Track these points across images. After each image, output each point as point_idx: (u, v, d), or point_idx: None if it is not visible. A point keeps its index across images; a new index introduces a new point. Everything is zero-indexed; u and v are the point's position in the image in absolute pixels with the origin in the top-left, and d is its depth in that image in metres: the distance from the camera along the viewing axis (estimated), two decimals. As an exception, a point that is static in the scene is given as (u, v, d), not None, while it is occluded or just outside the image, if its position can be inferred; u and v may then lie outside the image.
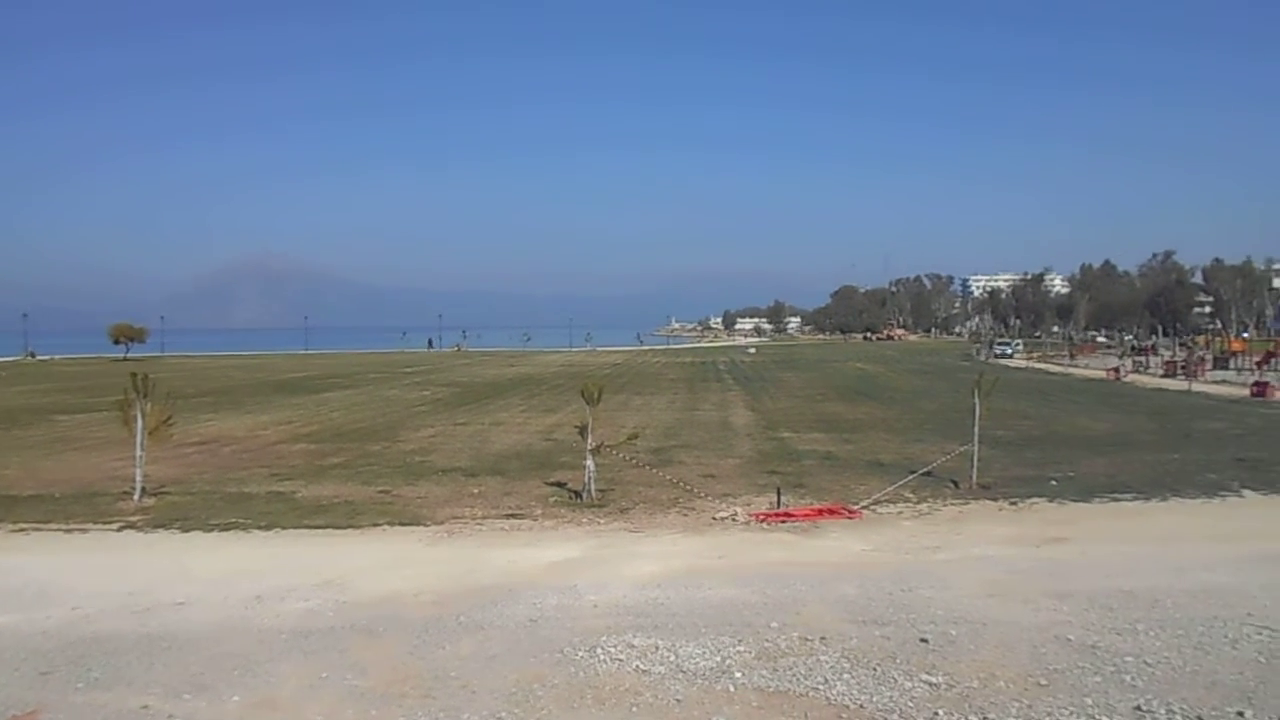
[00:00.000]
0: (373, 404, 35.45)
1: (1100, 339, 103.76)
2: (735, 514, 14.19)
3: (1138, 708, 6.81)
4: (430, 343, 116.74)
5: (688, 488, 16.20)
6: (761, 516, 13.97)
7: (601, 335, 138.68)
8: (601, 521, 13.97)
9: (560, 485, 16.58)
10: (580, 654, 8.13)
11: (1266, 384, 35.83)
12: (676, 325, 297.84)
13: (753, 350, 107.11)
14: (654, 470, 17.93)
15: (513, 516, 14.34)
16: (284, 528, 13.65)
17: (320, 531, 13.45)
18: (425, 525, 13.79)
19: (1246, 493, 15.66)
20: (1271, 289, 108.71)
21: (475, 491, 16.34)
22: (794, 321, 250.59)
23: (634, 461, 18.50)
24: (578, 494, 15.56)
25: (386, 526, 13.73)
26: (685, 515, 14.32)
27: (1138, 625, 8.69)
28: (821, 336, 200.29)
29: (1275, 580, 10.09)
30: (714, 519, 14.01)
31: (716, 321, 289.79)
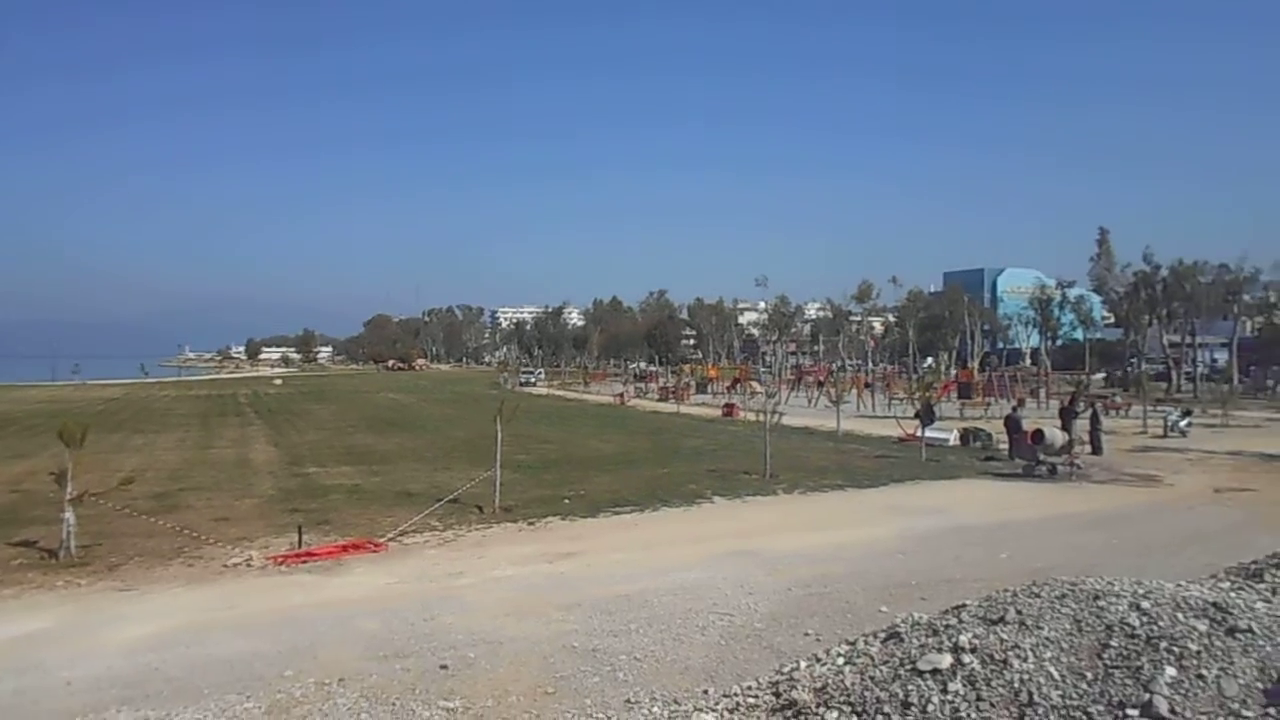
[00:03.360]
0: None
1: (647, 368, 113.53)
2: (250, 559, 13.19)
3: (628, 700, 7.65)
4: None
5: (195, 535, 14.69)
6: (280, 559, 13.17)
7: (95, 366, 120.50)
8: (83, 583, 12.07)
9: (29, 544, 13.99)
10: (46, 744, 6.93)
11: (734, 405, 42.74)
12: (191, 355, 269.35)
13: (279, 381, 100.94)
14: (154, 519, 15.97)
15: (-42, 589, 11.76)
16: None
17: None
18: None
19: (717, 499, 18.47)
20: (738, 324, 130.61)
21: (-97, 562, 13.11)
22: (325, 351, 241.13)
23: (130, 510, 16.31)
24: (53, 553, 13.26)
25: None
26: (191, 566, 12.96)
27: (631, 625, 9.77)
28: (355, 367, 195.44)
29: (734, 574, 12.05)
30: (225, 566, 12.87)
31: (239, 351, 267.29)
